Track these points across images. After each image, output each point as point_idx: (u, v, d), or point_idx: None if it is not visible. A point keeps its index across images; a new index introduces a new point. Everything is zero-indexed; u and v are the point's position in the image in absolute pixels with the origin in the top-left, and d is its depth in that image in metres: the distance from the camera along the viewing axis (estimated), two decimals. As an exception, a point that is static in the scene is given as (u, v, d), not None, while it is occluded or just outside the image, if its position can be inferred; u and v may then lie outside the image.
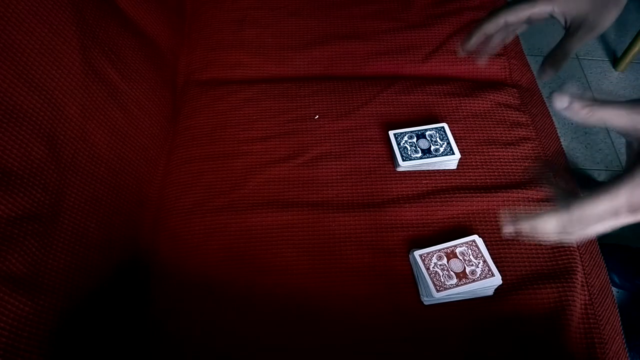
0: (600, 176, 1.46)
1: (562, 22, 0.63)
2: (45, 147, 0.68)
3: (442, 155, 0.85)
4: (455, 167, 0.87)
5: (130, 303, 0.78)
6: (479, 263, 0.74)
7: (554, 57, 0.61)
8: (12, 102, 0.65)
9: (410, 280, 0.76)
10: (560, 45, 0.62)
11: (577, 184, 1.29)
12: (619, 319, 0.79)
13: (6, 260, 0.59)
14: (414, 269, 0.76)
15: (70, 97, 0.73)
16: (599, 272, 0.81)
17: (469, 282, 0.73)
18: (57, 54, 0.72)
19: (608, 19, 0.61)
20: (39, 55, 0.70)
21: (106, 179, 0.78)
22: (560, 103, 0.47)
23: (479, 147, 0.89)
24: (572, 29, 0.62)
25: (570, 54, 0.63)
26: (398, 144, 0.86)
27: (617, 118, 0.46)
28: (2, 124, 0.63)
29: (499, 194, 0.84)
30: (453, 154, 0.85)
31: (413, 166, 0.85)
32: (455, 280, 0.73)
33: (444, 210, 0.82)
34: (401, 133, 0.88)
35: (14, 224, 0.61)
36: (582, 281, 0.77)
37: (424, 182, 0.85)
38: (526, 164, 0.88)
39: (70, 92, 0.74)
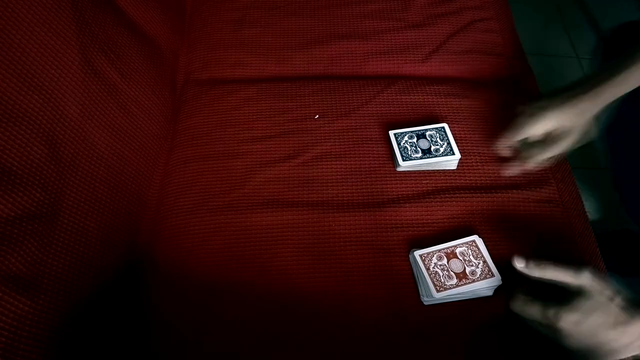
0: (601, 177, 1.46)
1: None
2: (45, 147, 0.68)
3: (443, 156, 0.85)
4: (455, 168, 0.87)
5: (130, 303, 0.78)
6: (479, 263, 0.75)
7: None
8: (12, 102, 0.65)
9: (410, 280, 0.76)
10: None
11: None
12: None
13: (6, 260, 0.59)
14: (414, 269, 0.76)
15: (70, 97, 0.73)
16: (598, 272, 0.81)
17: (469, 283, 0.73)
18: (57, 54, 0.72)
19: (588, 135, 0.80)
20: (38, 55, 0.70)
21: (106, 179, 0.78)
22: (519, 263, 0.69)
23: (479, 147, 0.89)
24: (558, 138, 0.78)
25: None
26: (398, 144, 0.86)
27: (562, 276, 0.66)
28: (2, 124, 0.63)
29: (499, 194, 0.84)
30: (453, 154, 0.85)
31: (413, 166, 0.85)
32: (455, 281, 0.73)
33: (444, 210, 0.82)
34: (401, 133, 0.88)
35: (13, 224, 0.61)
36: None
37: (424, 182, 0.85)
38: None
39: (70, 92, 0.73)
